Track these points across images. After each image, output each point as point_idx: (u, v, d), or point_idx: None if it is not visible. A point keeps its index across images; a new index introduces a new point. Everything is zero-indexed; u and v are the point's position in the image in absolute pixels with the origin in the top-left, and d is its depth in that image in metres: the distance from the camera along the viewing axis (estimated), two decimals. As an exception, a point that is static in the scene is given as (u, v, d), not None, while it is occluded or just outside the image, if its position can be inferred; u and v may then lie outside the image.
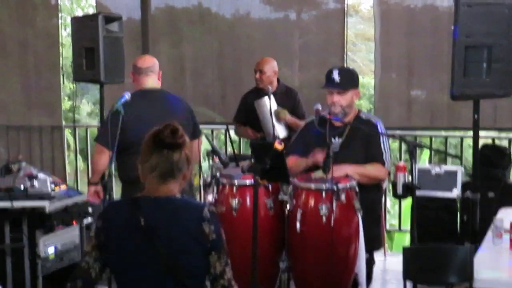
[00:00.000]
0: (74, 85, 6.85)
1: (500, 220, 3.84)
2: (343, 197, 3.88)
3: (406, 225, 6.37)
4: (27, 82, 7.37)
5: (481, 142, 5.38)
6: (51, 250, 4.53)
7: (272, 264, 4.05)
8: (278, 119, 5.42)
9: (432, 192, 5.67)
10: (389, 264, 5.77)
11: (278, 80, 5.74)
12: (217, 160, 4.55)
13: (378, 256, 4.71)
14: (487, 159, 5.58)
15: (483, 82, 4.28)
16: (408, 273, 3.65)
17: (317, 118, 4.23)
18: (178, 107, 4.41)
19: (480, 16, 4.21)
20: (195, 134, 4.39)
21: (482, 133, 5.35)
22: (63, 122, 7.60)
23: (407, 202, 6.04)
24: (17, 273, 4.51)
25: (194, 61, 7.13)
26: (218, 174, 4.24)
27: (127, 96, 4.12)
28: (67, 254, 4.70)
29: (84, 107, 15.23)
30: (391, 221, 7.66)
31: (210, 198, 4.20)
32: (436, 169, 5.75)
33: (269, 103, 5.35)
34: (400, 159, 6.66)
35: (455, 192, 5.68)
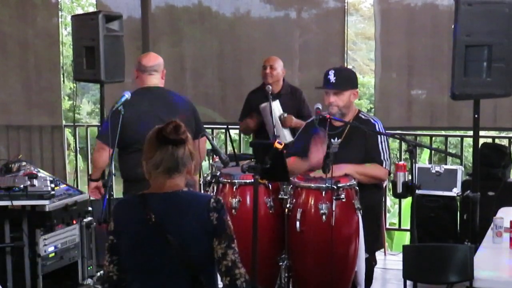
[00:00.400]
0: (75, 85, 6.83)
1: (500, 219, 3.85)
2: (343, 196, 3.87)
3: (406, 224, 6.37)
4: (27, 82, 7.37)
5: (481, 141, 5.37)
6: (51, 249, 4.54)
7: (272, 263, 4.05)
8: (284, 125, 5.44)
9: (432, 191, 5.68)
10: (389, 263, 5.78)
11: (283, 80, 5.76)
12: (217, 159, 4.55)
13: (378, 255, 4.71)
14: (487, 158, 5.58)
15: (484, 81, 4.26)
16: (408, 272, 3.65)
17: (317, 118, 4.22)
18: (180, 106, 4.40)
19: (480, 15, 4.19)
20: (198, 133, 4.36)
21: (482, 133, 5.35)
22: (63, 122, 7.59)
23: (407, 201, 6.04)
24: (17, 272, 4.52)
25: (194, 60, 7.13)
26: (218, 173, 4.24)
27: (127, 95, 4.12)
28: (67, 253, 4.71)
29: (84, 107, 15.25)
30: (391, 220, 7.65)
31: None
32: (436, 168, 5.76)
33: (274, 107, 5.37)
34: (400, 158, 6.66)
35: (455, 191, 5.69)
